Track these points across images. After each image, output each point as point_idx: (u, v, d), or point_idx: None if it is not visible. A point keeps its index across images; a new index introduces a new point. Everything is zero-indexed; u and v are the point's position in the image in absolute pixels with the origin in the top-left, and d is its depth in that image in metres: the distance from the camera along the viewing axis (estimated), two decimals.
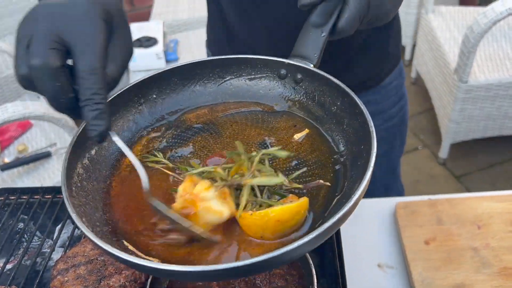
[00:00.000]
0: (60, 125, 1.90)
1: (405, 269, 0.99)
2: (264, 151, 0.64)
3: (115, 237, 0.58)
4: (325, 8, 0.67)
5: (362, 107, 0.64)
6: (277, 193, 0.62)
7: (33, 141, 2.27)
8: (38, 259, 0.90)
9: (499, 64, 2.33)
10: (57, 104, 0.54)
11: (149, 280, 0.75)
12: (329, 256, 0.87)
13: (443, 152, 2.56)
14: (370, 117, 0.63)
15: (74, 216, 0.54)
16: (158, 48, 2.41)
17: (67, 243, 0.91)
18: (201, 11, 2.89)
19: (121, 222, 0.61)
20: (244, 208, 0.58)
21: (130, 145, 0.70)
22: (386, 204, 1.11)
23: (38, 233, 0.97)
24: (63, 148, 2.18)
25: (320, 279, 0.80)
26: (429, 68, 2.70)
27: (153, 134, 0.72)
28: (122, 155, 0.68)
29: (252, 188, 0.60)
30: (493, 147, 2.63)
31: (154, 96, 0.74)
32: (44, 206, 0.98)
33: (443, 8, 2.78)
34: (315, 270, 0.75)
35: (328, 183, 0.63)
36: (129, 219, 0.61)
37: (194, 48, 2.54)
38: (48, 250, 0.91)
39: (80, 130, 0.63)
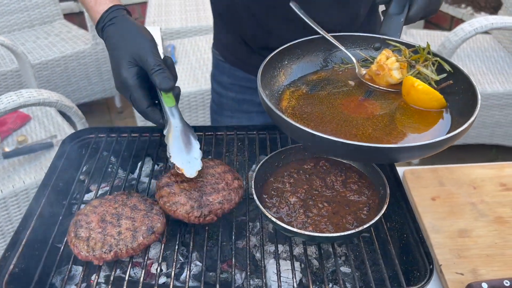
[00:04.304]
0: (71, 112, 1.98)
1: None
2: (438, 58, 0.96)
3: None
4: (399, 0, 0.99)
5: (455, 64, 0.94)
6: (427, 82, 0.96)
7: (32, 133, 2.31)
8: (127, 184, 1.02)
9: None
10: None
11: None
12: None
13: None
14: (462, 68, 0.93)
15: (260, 90, 0.86)
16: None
17: (151, 176, 1.02)
18: (193, 22, 3.06)
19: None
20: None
21: (278, 96, 0.99)
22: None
23: (120, 167, 1.08)
24: None
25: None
26: None
27: (292, 89, 1.01)
28: (281, 96, 0.99)
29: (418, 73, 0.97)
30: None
31: (286, 62, 1.04)
32: (130, 143, 1.11)
33: (414, 31, 3.08)
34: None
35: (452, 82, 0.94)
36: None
37: (190, 53, 2.68)
38: (134, 180, 1.02)
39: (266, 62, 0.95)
